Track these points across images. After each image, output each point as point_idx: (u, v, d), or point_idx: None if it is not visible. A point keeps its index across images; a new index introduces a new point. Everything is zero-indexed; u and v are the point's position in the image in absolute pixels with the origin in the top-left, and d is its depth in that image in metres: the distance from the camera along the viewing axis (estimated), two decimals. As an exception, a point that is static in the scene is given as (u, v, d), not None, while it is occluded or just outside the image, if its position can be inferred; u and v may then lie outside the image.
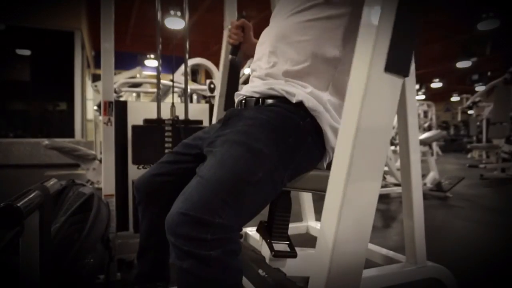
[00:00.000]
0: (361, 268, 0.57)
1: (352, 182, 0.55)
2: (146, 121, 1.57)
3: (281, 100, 0.87)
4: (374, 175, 0.57)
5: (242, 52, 1.24)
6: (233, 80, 1.35)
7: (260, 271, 1.03)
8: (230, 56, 1.24)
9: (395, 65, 0.53)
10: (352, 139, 0.54)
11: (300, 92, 0.84)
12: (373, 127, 0.56)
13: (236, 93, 1.04)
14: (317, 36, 0.88)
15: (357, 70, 0.56)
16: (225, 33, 1.45)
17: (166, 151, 1.53)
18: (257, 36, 1.09)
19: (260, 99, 0.92)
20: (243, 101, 0.97)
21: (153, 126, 1.56)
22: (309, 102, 0.83)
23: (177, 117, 1.63)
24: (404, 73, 0.53)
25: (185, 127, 1.60)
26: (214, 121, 1.41)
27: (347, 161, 0.54)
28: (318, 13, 0.88)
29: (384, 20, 0.53)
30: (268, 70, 0.92)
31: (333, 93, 0.89)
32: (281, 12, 0.98)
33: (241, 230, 0.75)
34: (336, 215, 0.55)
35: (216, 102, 1.41)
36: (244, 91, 0.98)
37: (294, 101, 0.84)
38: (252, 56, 1.22)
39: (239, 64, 1.34)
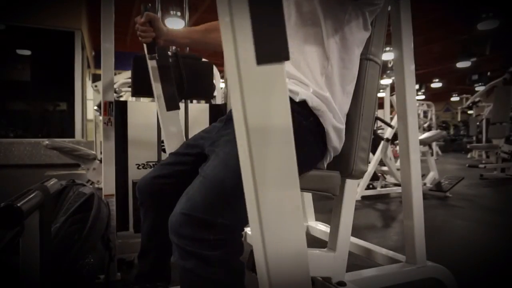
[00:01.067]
0: (307, 276, 0.54)
1: (262, 189, 0.50)
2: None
3: None
4: (286, 176, 0.51)
5: (163, 46, 1.16)
6: (166, 78, 1.27)
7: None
8: (149, 56, 1.14)
9: (268, 53, 0.45)
10: (247, 140, 0.49)
11: (304, 91, 0.84)
12: (265, 123, 0.50)
13: None
14: (303, 41, 0.87)
15: (230, 70, 0.49)
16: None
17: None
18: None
19: None
20: None
21: None
22: (313, 102, 0.83)
23: (178, 50, 1.62)
24: (283, 58, 0.45)
25: (185, 61, 1.55)
26: (161, 124, 1.35)
27: (249, 168, 0.49)
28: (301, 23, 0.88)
29: (237, 9, 0.46)
30: None
31: (327, 87, 0.88)
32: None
33: (243, 230, 0.75)
34: (258, 227, 0.50)
35: (156, 105, 1.35)
36: None
37: (297, 100, 0.83)
38: (176, 45, 1.17)
39: (165, 58, 1.25)
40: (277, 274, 0.51)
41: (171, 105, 1.27)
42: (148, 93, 1.53)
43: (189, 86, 1.50)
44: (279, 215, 0.52)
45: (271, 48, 0.45)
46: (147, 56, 1.25)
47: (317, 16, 0.86)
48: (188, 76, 1.54)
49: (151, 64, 1.30)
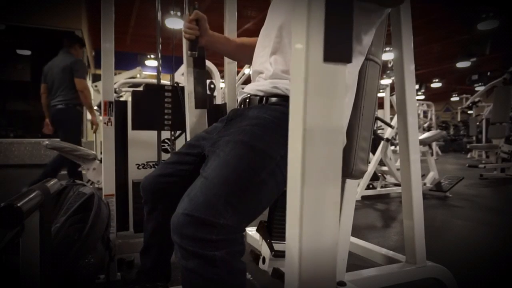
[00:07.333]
0: (334, 275, 0.55)
1: (308, 186, 0.51)
2: (147, 86, 1.57)
3: (285, 99, 0.87)
4: (331, 174, 0.53)
5: (203, 46, 1.20)
6: (199, 76, 1.30)
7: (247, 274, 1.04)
8: (189, 53, 1.18)
9: (335, 53, 0.49)
10: (302, 139, 0.51)
11: None
12: (323, 121, 0.52)
13: (240, 91, 1.04)
14: None
15: (296, 64, 0.52)
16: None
17: (166, 117, 1.53)
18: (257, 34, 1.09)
19: (264, 98, 0.92)
20: (247, 99, 0.97)
21: (153, 90, 1.56)
22: None
23: (177, 83, 1.63)
24: (346, 60, 0.49)
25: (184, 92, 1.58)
26: (187, 119, 1.38)
27: (300, 164, 0.51)
28: None
29: (314, 8, 0.49)
30: (273, 71, 0.93)
31: None
32: (279, 10, 0.98)
33: (245, 230, 0.75)
34: (298, 222, 0.52)
35: (186, 101, 1.39)
36: (249, 89, 0.98)
37: None
38: (214, 48, 1.21)
39: (202, 58, 1.28)
40: (308, 268, 0.53)
41: (200, 104, 1.31)
42: (148, 126, 1.56)
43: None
44: (319, 211, 0.53)
45: (338, 49, 0.50)
46: (186, 52, 1.28)
47: None
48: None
49: (187, 61, 1.34)
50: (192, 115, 1.37)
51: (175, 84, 1.61)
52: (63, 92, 3.51)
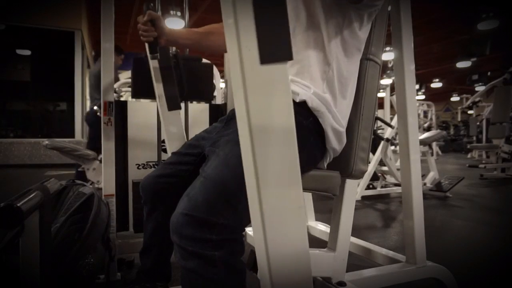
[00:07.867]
0: (308, 275, 0.55)
1: (265, 189, 0.50)
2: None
3: None
4: (289, 176, 0.52)
5: (165, 46, 1.15)
6: (168, 78, 1.27)
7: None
8: (150, 55, 1.14)
9: (272, 53, 0.45)
10: (250, 140, 0.49)
11: (304, 92, 0.85)
12: (270, 122, 0.50)
13: None
14: (304, 47, 0.88)
15: (233, 70, 0.50)
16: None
17: None
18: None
19: None
20: None
21: None
22: (313, 102, 0.84)
23: (178, 52, 1.61)
24: (286, 58, 0.46)
25: (185, 62, 1.56)
26: (162, 124, 1.34)
27: (252, 166, 0.50)
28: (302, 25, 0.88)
29: (241, 10, 0.46)
30: None
31: (327, 92, 0.89)
32: None
33: (245, 230, 0.75)
34: (260, 225, 0.51)
35: (158, 105, 1.35)
36: None
37: (297, 100, 0.84)
38: (177, 45, 1.17)
39: (167, 58, 1.24)
40: (279, 274, 0.52)
41: (173, 105, 1.27)
42: (149, 95, 1.53)
43: (189, 88, 1.50)
44: (281, 215, 0.52)
45: (275, 48, 0.46)
46: (148, 55, 1.23)
47: (318, 21, 0.86)
48: (188, 77, 1.53)
49: (153, 64, 1.30)
50: (166, 117, 1.33)
51: (175, 53, 1.56)
52: (98, 96, 3.74)
